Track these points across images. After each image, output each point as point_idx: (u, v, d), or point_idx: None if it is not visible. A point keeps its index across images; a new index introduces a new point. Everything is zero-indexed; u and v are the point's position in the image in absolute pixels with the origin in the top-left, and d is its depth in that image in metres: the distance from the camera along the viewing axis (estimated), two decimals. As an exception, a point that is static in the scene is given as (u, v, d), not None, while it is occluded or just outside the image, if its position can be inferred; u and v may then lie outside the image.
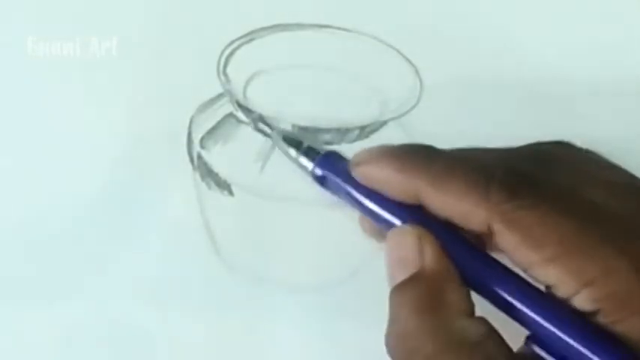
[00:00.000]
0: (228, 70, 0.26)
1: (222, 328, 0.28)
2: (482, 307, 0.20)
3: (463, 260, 0.19)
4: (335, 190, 0.23)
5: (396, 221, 0.21)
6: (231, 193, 0.26)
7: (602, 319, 0.17)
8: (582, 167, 0.21)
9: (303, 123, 0.24)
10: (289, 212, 0.26)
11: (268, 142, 0.25)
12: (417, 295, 0.19)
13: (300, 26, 0.28)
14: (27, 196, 0.33)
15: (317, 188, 0.23)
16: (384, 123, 0.25)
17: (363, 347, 0.27)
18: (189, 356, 0.28)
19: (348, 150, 0.24)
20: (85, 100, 0.37)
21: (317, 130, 0.24)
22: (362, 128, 0.25)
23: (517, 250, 0.18)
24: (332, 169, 0.23)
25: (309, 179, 0.23)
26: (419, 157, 0.21)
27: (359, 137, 0.25)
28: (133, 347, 0.28)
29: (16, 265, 0.30)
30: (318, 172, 0.23)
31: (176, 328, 0.28)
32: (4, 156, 0.35)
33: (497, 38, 0.41)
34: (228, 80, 0.25)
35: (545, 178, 0.20)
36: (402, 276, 0.20)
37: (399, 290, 0.20)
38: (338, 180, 0.22)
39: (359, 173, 0.21)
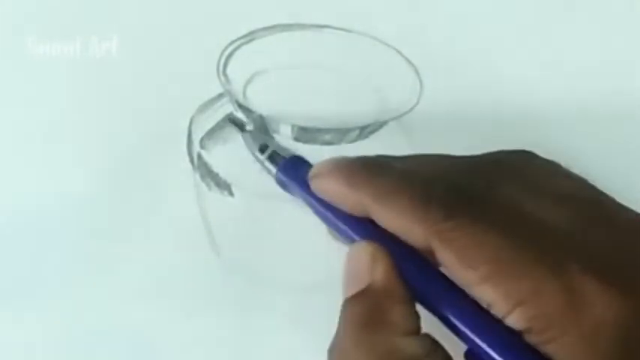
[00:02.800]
0: (228, 70, 0.26)
1: (222, 328, 0.28)
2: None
3: (409, 275, 0.20)
4: (297, 197, 0.23)
5: (352, 234, 0.21)
6: (231, 193, 0.26)
7: (533, 339, 0.17)
8: (535, 179, 0.21)
9: (303, 123, 0.24)
10: (289, 212, 0.26)
11: None
12: (360, 310, 0.19)
13: (300, 26, 0.28)
14: (27, 196, 0.33)
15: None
16: (384, 123, 0.25)
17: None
18: (188, 356, 0.28)
19: (349, 150, 0.24)
20: (84, 100, 0.37)
21: (317, 130, 0.24)
22: (362, 128, 0.25)
23: (454, 269, 0.18)
24: (294, 176, 0.23)
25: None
26: (368, 171, 0.21)
27: (359, 137, 0.25)
28: (133, 347, 0.28)
29: (16, 265, 0.30)
30: (281, 177, 0.23)
31: (176, 328, 0.28)
32: (4, 155, 0.35)
33: (498, 38, 0.41)
34: (228, 80, 0.25)
35: (490, 192, 0.20)
36: (352, 291, 0.20)
37: (345, 305, 0.20)
38: (298, 188, 0.23)
39: (314, 185, 0.22)
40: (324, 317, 0.28)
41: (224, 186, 0.26)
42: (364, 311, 0.19)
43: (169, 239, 0.31)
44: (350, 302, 0.20)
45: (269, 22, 0.28)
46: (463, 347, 0.19)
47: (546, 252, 0.18)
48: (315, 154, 0.24)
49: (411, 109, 0.25)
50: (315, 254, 0.28)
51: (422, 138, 0.27)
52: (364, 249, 0.20)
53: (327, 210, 0.22)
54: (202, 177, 0.27)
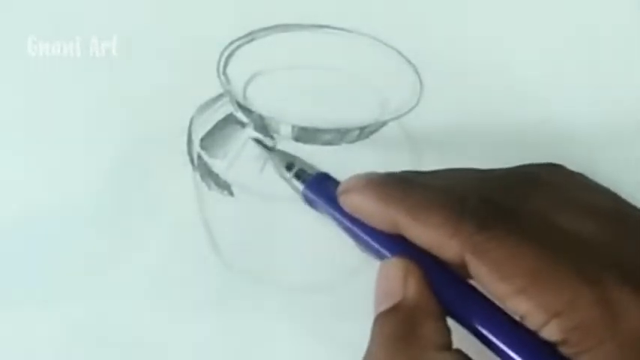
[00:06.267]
0: (228, 70, 0.26)
1: (221, 328, 0.28)
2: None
3: (441, 290, 0.20)
4: (324, 213, 0.23)
5: (382, 249, 0.21)
6: (231, 193, 0.26)
7: (568, 350, 0.18)
8: (565, 192, 0.21)
9: (303, 123, 0.24)
10: (289, 212, 0.26)
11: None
12: (392, 325, 0.19)
13: (300, 26, 0.28)
14: (27, 196, 0.33)
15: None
16: (384, 123, 0.25)
17: (361, 348, 0.27)
18: (188, 356, 0.28)
19: (349, 150, 0.24)
20: (85, 100, 0.37)
21: (317, 131, 0.24)
22: (362, 128, 0.25)
23: (488, 282, 0.19)
24: (321, 193, 0.23)
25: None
26: (398, 187, 0.21)
27: (359, 137, 0.25)
28: (133, 347, 0.28)
29: (16, 265, 0.30)
30: (308, 195, 0.23)
31: (175, 328, 0.28)
32: (4, 156, 0.35)
33: (499, 37, 0.41)
34: (228, 80, 0.25)
35: (523, 205, 0.20)
36: (384, 306, 0.20)
37: (377, 320, 0.20)
38: (326, 206, 0.23)
39: (344, 201, 0.22)
40: (324, 317, 0.28)
41: (224, 186, 0.26)
42: (397, 326, 0.19)
43: (169, 239, 0.31)
44: (383, 317, 0.20)
45: (269, 22, 0.28)
46: None
47: (581, 263, 0.18)
48: (316, 154, 0.24)
49: (411, 109, 0.25)
50: (316, 254, 0.28)
51: (422, 138, 0.27)
52: (396, 265, 0.20)
53: (356, 226, 0.21)
54: (202, 177, 0.27)
